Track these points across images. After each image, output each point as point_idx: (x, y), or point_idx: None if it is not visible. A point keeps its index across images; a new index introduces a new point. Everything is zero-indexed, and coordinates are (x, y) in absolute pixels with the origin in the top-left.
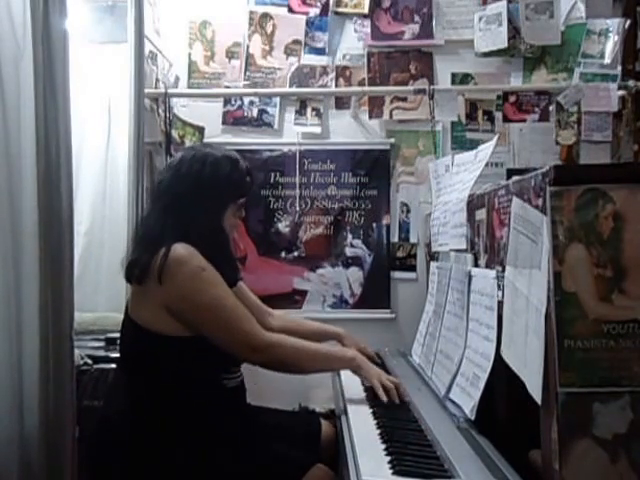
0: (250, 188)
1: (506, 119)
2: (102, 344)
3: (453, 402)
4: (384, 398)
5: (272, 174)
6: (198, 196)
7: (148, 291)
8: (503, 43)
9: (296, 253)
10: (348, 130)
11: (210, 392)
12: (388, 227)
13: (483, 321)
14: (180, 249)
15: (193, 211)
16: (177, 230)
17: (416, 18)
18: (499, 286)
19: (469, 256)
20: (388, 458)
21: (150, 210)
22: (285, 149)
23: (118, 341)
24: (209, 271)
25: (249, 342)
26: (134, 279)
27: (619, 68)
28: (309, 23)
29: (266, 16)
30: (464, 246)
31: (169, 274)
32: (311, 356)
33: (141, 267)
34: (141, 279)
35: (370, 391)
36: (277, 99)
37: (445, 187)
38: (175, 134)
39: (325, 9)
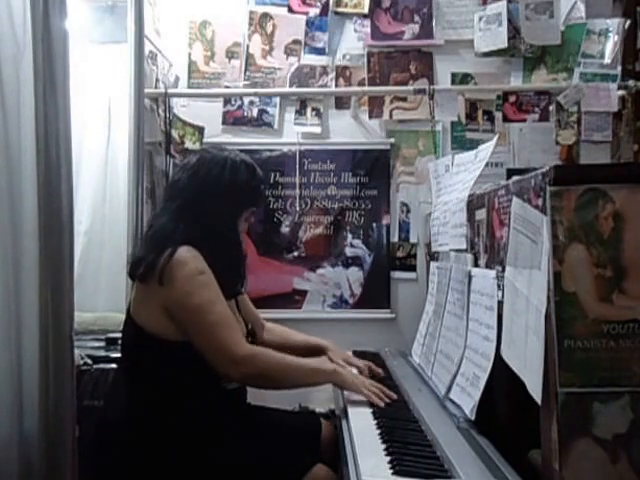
0: (263, 196)
1: (506, 119)
2: (102, 344)
3: (453, 402)
4: (380, 403)
5: (272, 174)
6: (215, 200)
7: (150, 291)
8: (503, 43)
9: (296, 253)
10: (348, 130)
11: (209, 394)
12: (388, 227)
13: (483, 321)
14: (184, 252)
15: (209, 215)
16: (189, 232)
17: (416, 18)
18: (499, 286)
19: (469, 256)
20: (388, 458)
21: (163, 209)
22: (285, 149)
23: (119, 341)
24: (206, 275)
25: (228, 353)
26: (138, 277)
27: (619, 68)
28: (309, 23)
29: (266, 16)
30: (464, 246)
31: (169, 275)
32: (292, 370)
33: (147, 266)
34: (145, 277)
35: None
36: (277, 99)
37: (445, 187)
38: (175, 134)
39: (325, 9)
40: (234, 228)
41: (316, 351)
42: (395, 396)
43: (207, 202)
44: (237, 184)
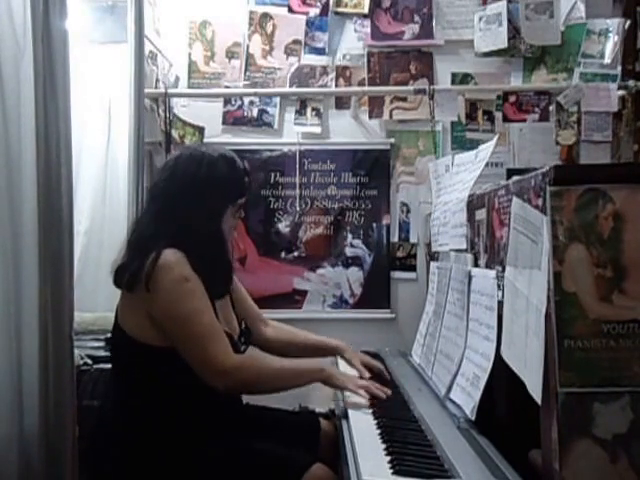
0: (249, 188)
1: (506, 119)
2: (102, 344)
3: (453, 402)
4: (366, 397)
5: (272, 174)
6: (195, 199)
7: (136, 299)
8: (503, 43)
9: (296, 253)
10: (348, 130)
11: (206, 393)
12: (388, 227)
13: (483, 321)
14: (169, 255)
15: (189, 215)
16: (171, 235)
17: (416, 18)
18: (499, 286)
19: (469, 256)
20: (388, 458)
21: (144, 212)
22: (285, 149)
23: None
24: (192, 282)
25: (213, 365)
26: (124, 285)
27: (619, 68)
28: (309, 23)
29: (266, 16)
30: (464, 246)
31: (155, 281)
32: (277, 374)
33: (131, 273)
34: (131, 286)
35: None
36: (277, 99)
37: (445, 187)
38: (175, 134)
39: (325, 9)
40: (217, 226)
41: (327, 352)
42: (389, 392)
43: (186, 201)
44: (215, 180)
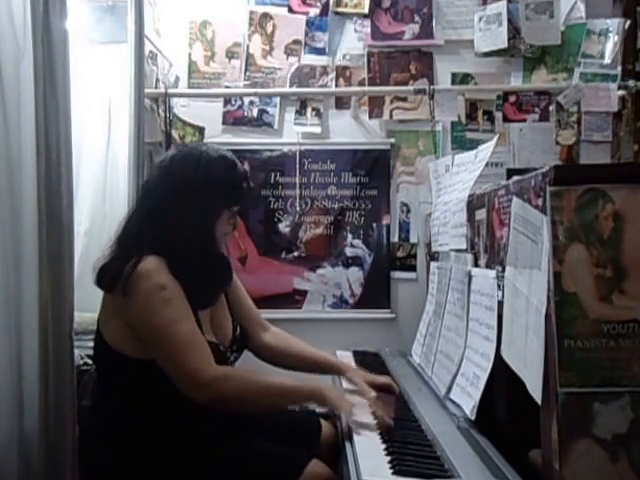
0: (246, 195)
1: (506, 119)
2: None
3: (453, 402)
4: (359, 431)
5: (272, 174)
6: (189, 200)
7: (116, 302)
8: (503, 43)
9: (296, 253)
10: (348, 130)
11: None
12: (388, 227)
13: (483, 321)
14: (148, 263)
15: (179, 217)
16: (155, 237)
17: (416, 18)
18: (499, 286)
19: (469, 256)
20: (388, 458)
21: (135, 210)
22: (285, 149)
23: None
24: (170, 290)
25: (191, 377)
26: (105, 286)
27: (619, 68)
28: (309, 23)
29: (266, 16)
30: (464, 246)
31: (131, 288)
32: (262, 390)
33: (113, 274)
34: (111, 287)
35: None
36: (277, 99)
37: (445, 187)
38: (175, 134)
39: (325, 9)
40: (210, 231)
41: (326, 368)
42: (390, 422)
43: (180, 202)
44: (213, 181)
